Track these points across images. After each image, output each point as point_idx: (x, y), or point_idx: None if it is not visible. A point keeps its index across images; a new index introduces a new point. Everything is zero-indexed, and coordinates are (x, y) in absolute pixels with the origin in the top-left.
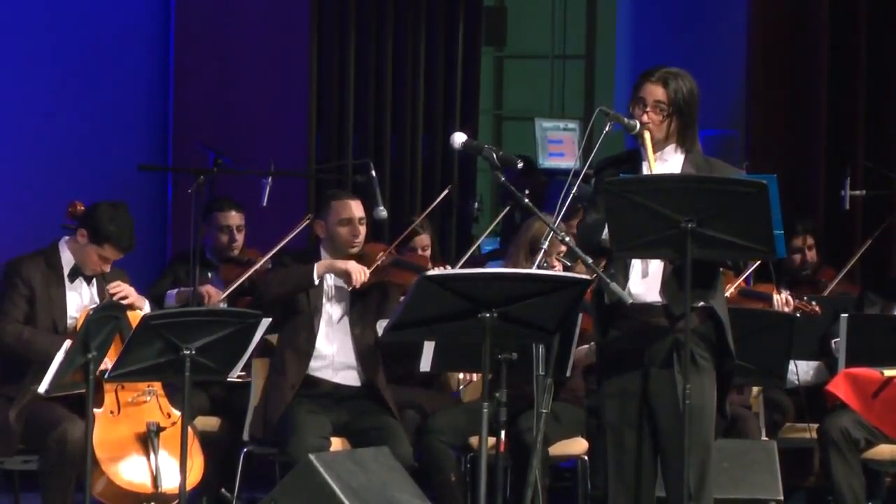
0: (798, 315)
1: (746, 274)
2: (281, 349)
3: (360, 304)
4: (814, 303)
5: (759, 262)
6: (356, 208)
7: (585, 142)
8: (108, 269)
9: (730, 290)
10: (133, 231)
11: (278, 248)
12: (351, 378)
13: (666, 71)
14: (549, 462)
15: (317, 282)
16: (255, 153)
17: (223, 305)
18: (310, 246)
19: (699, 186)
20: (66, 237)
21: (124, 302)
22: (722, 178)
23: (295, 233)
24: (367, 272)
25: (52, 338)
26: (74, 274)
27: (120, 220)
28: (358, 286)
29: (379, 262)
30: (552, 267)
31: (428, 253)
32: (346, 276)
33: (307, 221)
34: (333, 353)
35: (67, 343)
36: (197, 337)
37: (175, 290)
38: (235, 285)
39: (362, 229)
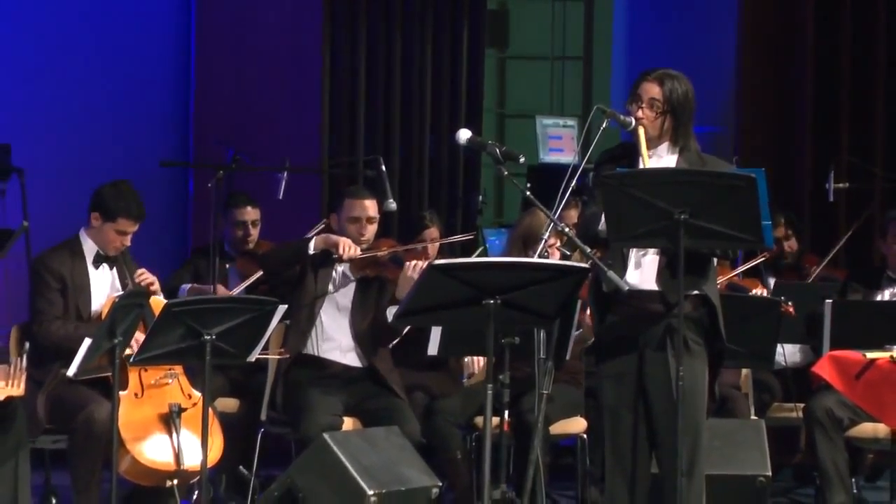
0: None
1: (742, 269)
2: (287, 328)
3: (362, 293)
4: (790, 303)
5: (757, 260)
6: (365, 208)
7: (584, 138)
8: (128, 242)
9: (720, 283)
10: (140, 200)
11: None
12: (356, 359)
13: (664, 72)
14: (550, 440)
15: (311, 251)
16: (271, 150)
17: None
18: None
19: (691, 180)
20: (84, 227)
21: (151, 288)
22: (713, 171)
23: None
24: (357, 249)
25: (84, 331)
26: (98, 260)
27: (124, 194)
28: (345, 258)
29: (379, 255)
30: (552, 256)
31: (436, 246)
32: (335, 247)
33: (322, 226)
34: (340, 336)
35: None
36: (217, 323)
37: (188, 285)
38: (251, 281)
39: (371, 228)
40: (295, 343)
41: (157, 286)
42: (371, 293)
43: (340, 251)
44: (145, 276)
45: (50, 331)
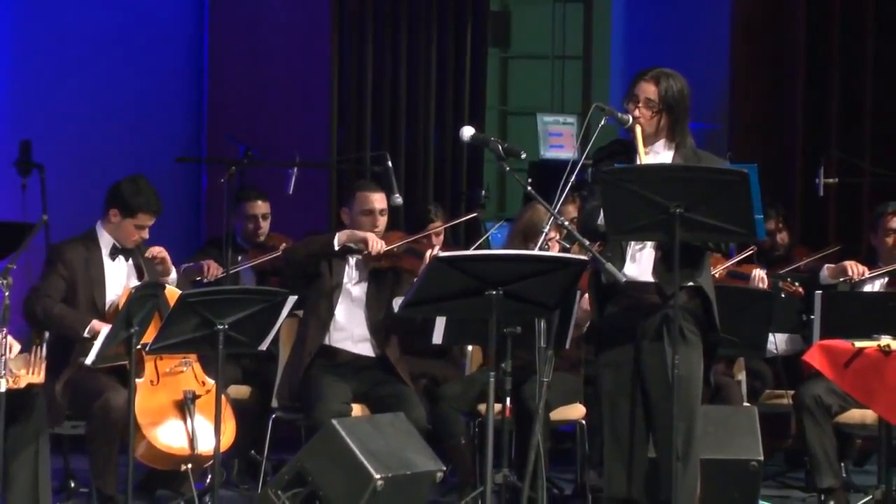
0: (783, 295)
1: (737, 259)
2: (304, 320)
3: (376, 284)
4: (797, 284)
5: (749, 251)
6: (377, 201)
7: (583, 135)
8: (146, 235)
9: (718, 271)
10: (157, 194)
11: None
12: (368, 349)
13: (659, 71)
14: (550, 426)
15: (337, 248)
16: (282, 146)
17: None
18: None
19: (687, 175)
20: (100, 220)
21: (160, 256)
22: (707, 167)
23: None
24: (384, 244)
25: (80, 317)
26: (115, 252)
27: (143, 190)
28: (374, 253)
29: (394, 248)
30: (552, 249)
31: (441, 237)
32: (364, 243)
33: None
34: (352, 327)
35: (95, 323)
36: (230, 313)
37: (183, 266)
38: (260, 260)
39: (382, 220)
40: (316, 336)
41: (165, 255)
42: (385, 284)
43: (370, 248)
44: (154, 249)
45: (44, 305)
